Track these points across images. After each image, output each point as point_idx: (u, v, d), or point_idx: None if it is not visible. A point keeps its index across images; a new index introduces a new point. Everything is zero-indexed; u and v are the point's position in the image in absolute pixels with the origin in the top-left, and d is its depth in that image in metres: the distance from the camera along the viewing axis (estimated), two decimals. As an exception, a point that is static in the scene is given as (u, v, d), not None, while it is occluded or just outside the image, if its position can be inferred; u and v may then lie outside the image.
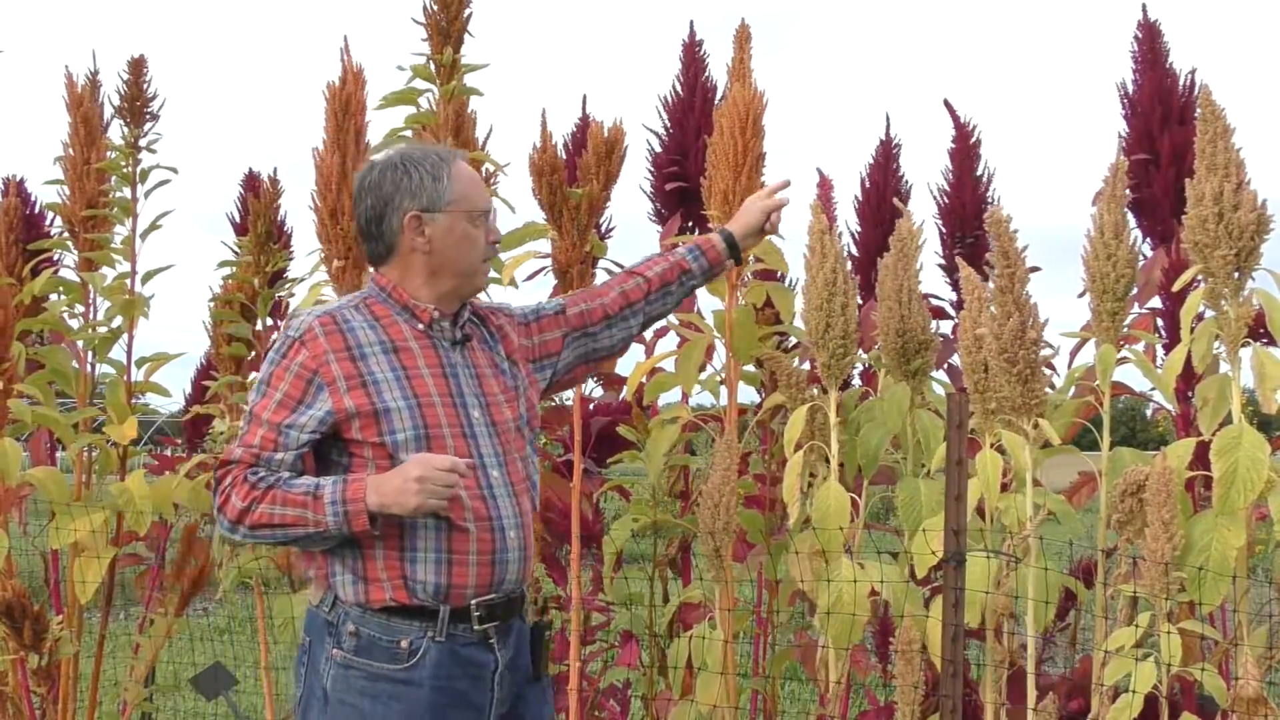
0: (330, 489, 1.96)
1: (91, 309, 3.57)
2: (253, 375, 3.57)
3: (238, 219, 4.27)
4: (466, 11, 3.02)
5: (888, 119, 3.72)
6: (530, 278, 3.27)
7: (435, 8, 3.00)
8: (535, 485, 2.19)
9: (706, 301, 3.15)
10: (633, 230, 3.82)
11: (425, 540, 2.01)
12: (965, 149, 3.61)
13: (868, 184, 3.67)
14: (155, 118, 3.59)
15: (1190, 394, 2.88)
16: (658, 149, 3.72)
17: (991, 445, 2.44)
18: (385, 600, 2.01)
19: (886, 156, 3.68)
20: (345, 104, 3.00)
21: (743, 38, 2.97)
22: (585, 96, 3.85)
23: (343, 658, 2.02)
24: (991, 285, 2.46)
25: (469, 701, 2.04)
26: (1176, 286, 2.53)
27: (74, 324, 3.58)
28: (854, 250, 3.63)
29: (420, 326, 2.11)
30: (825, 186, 2.61)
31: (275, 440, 2.01)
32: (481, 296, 2.36)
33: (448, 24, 2.99)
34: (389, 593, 2.01)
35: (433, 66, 3.01)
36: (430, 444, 2.02)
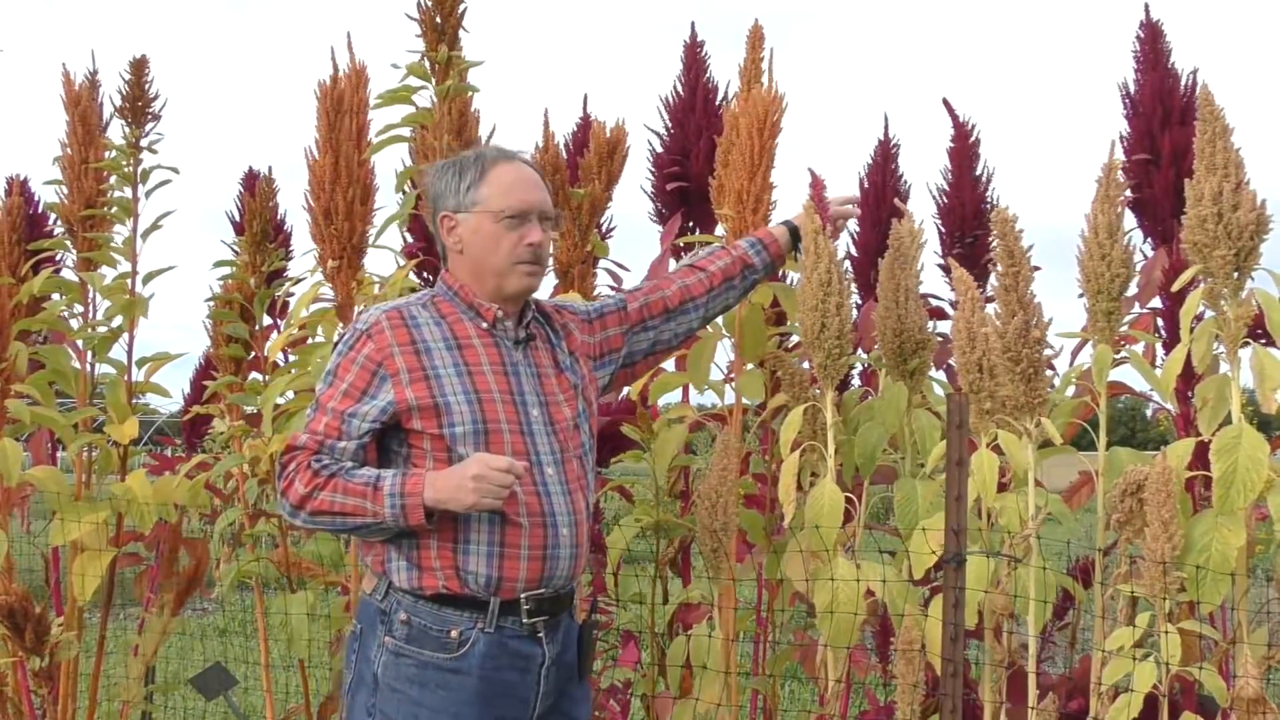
0: (390, 481, 2.02)
1: (91, 309, 3.57)
2: (253, 375, 3.57)
3: (237, 218, 4.28)
4: (461, 8, 3.00)
5: (886, 119, 3.73)
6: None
7: (429, 4, 2.99)
8: (591, 484, 2.23)
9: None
10: (633, 230, 3.83)
11: (479, 533, 2.05)
12: (964, 149, 3.61)
13: (866, 184, 3.67)
14: (156, 118, 3.58)
15: (1190, 394, 2.87)
16: (659, 149, 3.72)
17: (988, 445, 2.44)
18: (438, 588, 2.06)
19: (885, 157, 3.68)
20: (338, 103, 2.98)
21: (755, 39, 2.96)
22: (586, 96, 3.85)
23: (394, 645, 2.07)
24: (995, 283, 2.46)
25: (515, 693, 2.08)
26: (1176, 286, 2.53)
27: (74, 324, 3.58)
28: (853, 250, 3.63)
29: (484, 325, 2.17)
30: (818, 187, 2.62)
31: (339, 428, 2.07)
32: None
33: (442, 21, 2.98)
34: (441, 581, 2.06)
35: (428, 64, 3.01)
36: (488, 439, 2.07)
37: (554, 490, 2.10)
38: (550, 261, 3.08)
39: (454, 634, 2.05)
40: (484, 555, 2.05)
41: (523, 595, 2.07)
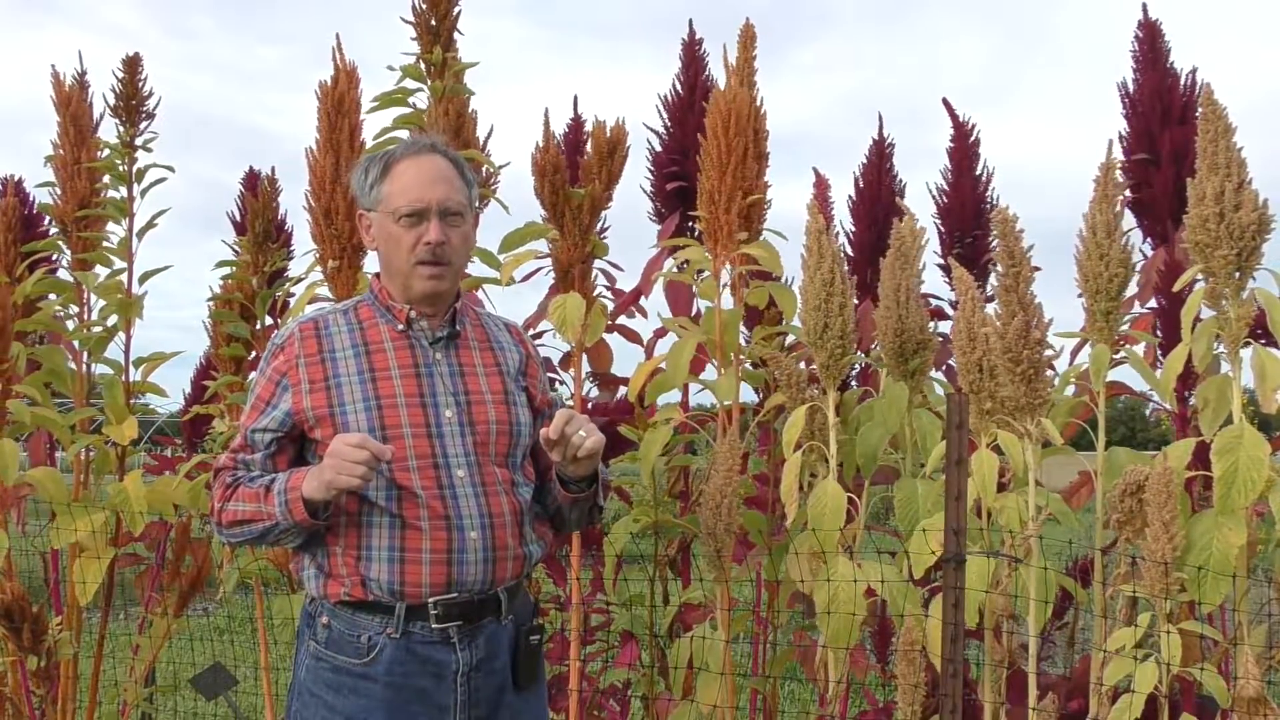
0: (280, 480, 1.99)
1: (86, 309, 3.56)
2: (251, 375, 3.57)
3: (238, 218, 4.27)
4: (455, 10, 3.00)
5: (880, 119, 3.73)
6: (528, 277, 3.27)
7: (424, 7, 2.99)
8: (520, 489, 2.12)
9: (703, 303, 3.15)
10: (632, 230, 3.82)
11: (379, 539, 2.01)
12: (964, 148, 3.61)
13: (861, 184, 3.67)
14: (150, 116, 3.58)
15: (1189, 394, 2.87)
16: (658, 148, 3.71)
17: (988, 445, 2.44)
18: (341, 595, 2.03)
19: (880, 156, 3.68)
20: (338, 103, 2.99)
21: (747, 38, 2.96)
22: (576, 98, 3.85)
23: (316, 649, 2.06)
24: (995, 284, 2.46)
25: (430, 700, 2.02)
26: (1176, 287, 2.53)
27: (69, 324, 3.58)
28: (849, 250, 3.63)
29: (399, 327, 2.12)
30: (821, 186, 2.61)
31: (249, 444, 2.07)
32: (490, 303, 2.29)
33: (437, 23, 2.98)
34: (346, 589, 2.02)
35: (423, 66, 3.01)
36: (388, 444, 2.00)
37: (462, 492, 2.03)
38: (550, 261, 3.06)
39: (364, 639, 2.01)
40: (384, 561, 2.00)
41: (430, 600, 2.00)
